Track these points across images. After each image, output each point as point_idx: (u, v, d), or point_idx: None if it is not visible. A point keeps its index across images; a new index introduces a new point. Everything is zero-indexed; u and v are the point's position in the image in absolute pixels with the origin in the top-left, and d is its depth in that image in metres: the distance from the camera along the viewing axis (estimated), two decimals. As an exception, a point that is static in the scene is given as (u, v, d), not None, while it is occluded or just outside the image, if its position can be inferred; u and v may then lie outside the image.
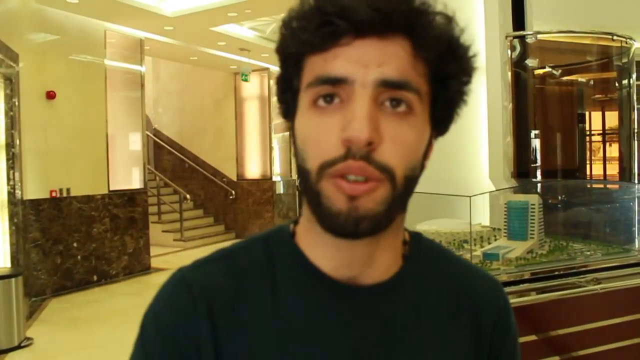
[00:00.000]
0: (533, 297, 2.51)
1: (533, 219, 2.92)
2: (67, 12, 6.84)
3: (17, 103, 5.85)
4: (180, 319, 0.62)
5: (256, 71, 10.56)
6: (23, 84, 6.12)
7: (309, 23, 0.54)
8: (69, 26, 6.94)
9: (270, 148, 10.96)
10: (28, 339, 4.83)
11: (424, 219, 3.75)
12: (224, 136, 11.28)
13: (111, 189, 7.37)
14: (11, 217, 5.61)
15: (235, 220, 11.11)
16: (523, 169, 4.39)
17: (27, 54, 6.31)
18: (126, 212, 7.61)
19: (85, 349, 4.71)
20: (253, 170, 11.11)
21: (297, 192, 11.80)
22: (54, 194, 6.52)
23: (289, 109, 0.62)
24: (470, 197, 2.79)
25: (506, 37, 4.18)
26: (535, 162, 4.55)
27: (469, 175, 4.34)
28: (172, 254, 9.31)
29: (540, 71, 4.77)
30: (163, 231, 10.14)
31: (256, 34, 9.07)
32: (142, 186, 7.98)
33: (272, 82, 10.96)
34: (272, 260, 0.65)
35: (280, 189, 11.11)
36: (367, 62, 0.54)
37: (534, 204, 2.92)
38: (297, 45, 0.57)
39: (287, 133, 11.49)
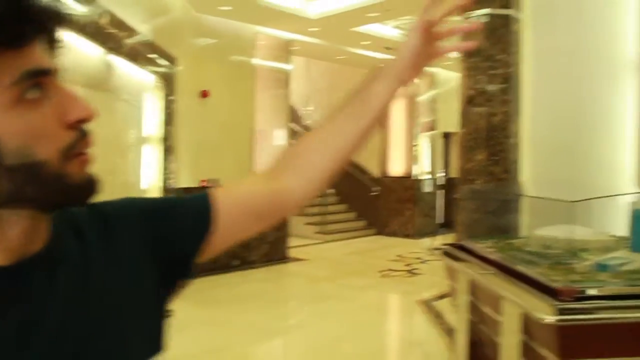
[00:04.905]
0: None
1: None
2: (222, 19, 7.49)
3: (173, 101, 6.54)
4: None
5: (402, 69, 10.55)
6: (180, 84, 6.82)
7: (6, 21, 0.55)
8: (223, 31, 7.60)
9: (414, 146, 10.91)
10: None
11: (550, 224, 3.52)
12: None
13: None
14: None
15: (377, 216, 11.23)
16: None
17: (186, 57, 7.02)
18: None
19: (210, 325, 5.15)
20: (397, 167, 11.14)
21: (441, 191, 11.59)
22: (203, 184, 7.17)
23: None
24: (573, 202, 2.60)
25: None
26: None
27: (609, 181, 3.98)
28: (312, 245, 9.68)
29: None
30: (306, 223, 10.55)
31: (401, 32, 9.07)
32: (287, 179, 8.41)
33: (420, 81, 10.88)
34: None
35: (426, 187, 11.01)
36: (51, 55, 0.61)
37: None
38: None
39: (435, 132, 11.33)
